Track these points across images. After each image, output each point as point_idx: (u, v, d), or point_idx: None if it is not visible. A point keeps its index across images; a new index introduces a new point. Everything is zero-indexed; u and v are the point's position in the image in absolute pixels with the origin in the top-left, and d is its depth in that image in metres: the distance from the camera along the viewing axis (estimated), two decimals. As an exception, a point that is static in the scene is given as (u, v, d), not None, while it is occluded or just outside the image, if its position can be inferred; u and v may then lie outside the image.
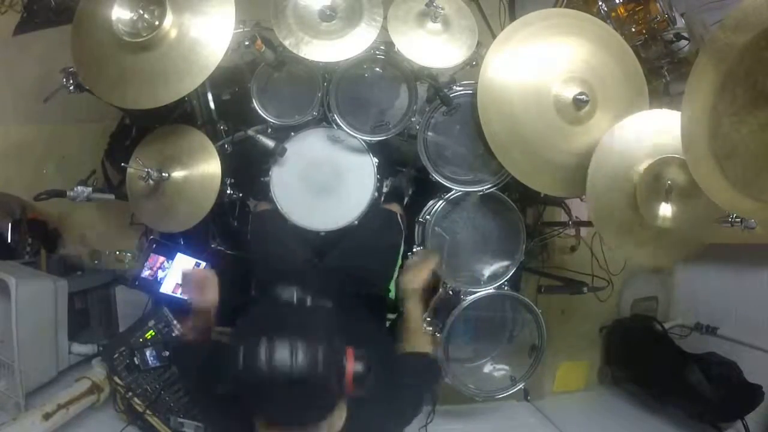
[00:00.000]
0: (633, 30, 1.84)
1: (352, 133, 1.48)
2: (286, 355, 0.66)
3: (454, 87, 1.47)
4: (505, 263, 1.61)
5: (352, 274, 1.35)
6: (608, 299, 2.14)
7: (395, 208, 1.60)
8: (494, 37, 1.41)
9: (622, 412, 2.21)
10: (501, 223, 1.60)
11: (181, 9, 1.19)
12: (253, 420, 0.76)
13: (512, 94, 1.38)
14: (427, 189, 1.66)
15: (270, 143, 1.40)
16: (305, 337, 0.69)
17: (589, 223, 1.36)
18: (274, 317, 0.73)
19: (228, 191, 1.47)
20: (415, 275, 1.23)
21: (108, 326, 1.92)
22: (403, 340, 1.15)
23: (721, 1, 1.84)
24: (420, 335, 1.20)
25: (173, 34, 1.19)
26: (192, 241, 1.62)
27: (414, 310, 1.20)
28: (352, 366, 0.76)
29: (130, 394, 1.52)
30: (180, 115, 1.65)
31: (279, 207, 1.45)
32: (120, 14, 1.18)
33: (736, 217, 1.39)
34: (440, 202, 1.54)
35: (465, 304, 1.55)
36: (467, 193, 1.53)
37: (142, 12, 1.18)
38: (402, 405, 0.99)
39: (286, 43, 1.32)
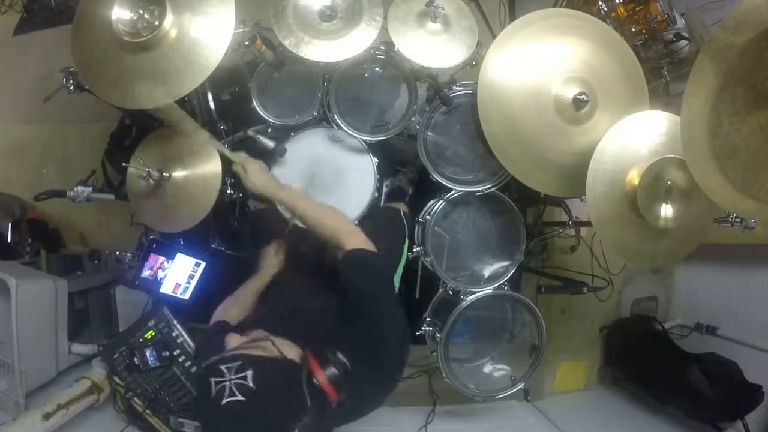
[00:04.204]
0: (633, 30, 1.85)
1: (352, 133, 1.48)
2: None
3: (454, 87, 1.48)
4: (505, 263, 1.61)
5: None
6: (608, 299, 2.14)
7: (400, 206, 1.61)
8: (494, 37, 1.41)
9: (622, 412, 2.22)
10: (501, 223, 1.60)
11: (181, 9, 1.19)
12: None
13: (512, 94, 1.38)
14: (427, 189, 1.66)
15: (270, 143, 1.40)
16: None
17: (589, 223, 1.35)
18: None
19: (228, 191, 1.47)
20: (248, 176, 1.18)
21: (108, 326, 1.92)
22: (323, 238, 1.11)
23: (721, 1, 1.84)
24: (315, 209, 1.14)
25: (173, 34, 1.19)
26: (192, 241, 1.62)
27: (285, 196, 1.16)
28: (324, 376, 0.78)
29: (130, 394, 1.52)
30: (180, 115, 1.65)
31: (279, 207, 1.45)
32: (120, 14, 1.17)
33: (736, 217, 1.40)
34: (440, 202, 1.54)
35: (465, 304, 1.55)
36: (467, 194, 1.53)
37: (142, 12, 1.18)
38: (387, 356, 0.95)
39: (286, 43, 1.32)
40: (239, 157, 1.22)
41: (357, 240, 1.06)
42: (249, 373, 0.73)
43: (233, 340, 0.85)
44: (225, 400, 0.71)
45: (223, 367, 0.75)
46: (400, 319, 0.99)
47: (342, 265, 1.02)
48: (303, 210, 1.14)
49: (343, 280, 0.98)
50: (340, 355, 0.82)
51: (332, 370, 0.79)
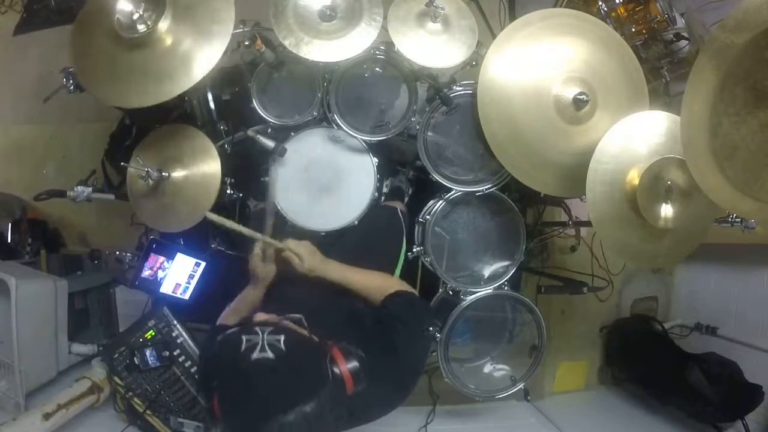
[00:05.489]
0: (633, 30, 1.85)
1: (352, 133, 1.47)
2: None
3: (454, 87, 1.47)
4: (505, 263, 1.61)
5: None
6: (608, 299, 2.14)
7: (397, 204, 1.61)
8: (494, 37, 1.41)
9: (622, 412, 2.22)
10: (501, 223, 1.60)
11: (181, 13, 1.19)
12: None
13: (512, 94, 1.38)
14: (427, 189, 1.66)
15: (270, 143, 1.39)
16: (294, 405, 0.71)
17: (589, 223, 1.35)
18: (254, 398, 0.72)
19: (228, 191, 1.47)
20: (303, 261, 1.15)
21: (108, 326, 1.92)
22: (365, 297, 1.14)
23: (721, 1, 1.84)
24: (360, 275, 1.16)
25: (169, 36, 1.19)
26: (192, 241, 1.62)
27: (333, 272, 1.15)
28: (346, 367, 0.79)
29: (130, 394, 1.52)
30: (180, 115, 1.65)
31: (279, 207, 1.45)
32: (122, 5, 1.17)
33: (736, 217, 1.40)
34: (440, 202, 1.54)
35: (465, 304, 1.55)
36: (467, 194, 1.53)
37: (142, 11, 1.18)
38: (400, 370, 0.99)
39: (286, 43, 1.32)
40: (289, 245, 1.15)
41: (397, 284, 1.16)
42: (282, 337, 0.76)
43: (261, 316, 0.88)
44: (255, 356, 0.73)
45: (257, 328, 0.77)
46: (423, 357, 1.07)
47: (387, 302, 1.08)
48: (347, 279, 1.16)
49: (383, 315, 1.05)
50: (362, 352, 0.84)
51: (354, 363, 0.81)
